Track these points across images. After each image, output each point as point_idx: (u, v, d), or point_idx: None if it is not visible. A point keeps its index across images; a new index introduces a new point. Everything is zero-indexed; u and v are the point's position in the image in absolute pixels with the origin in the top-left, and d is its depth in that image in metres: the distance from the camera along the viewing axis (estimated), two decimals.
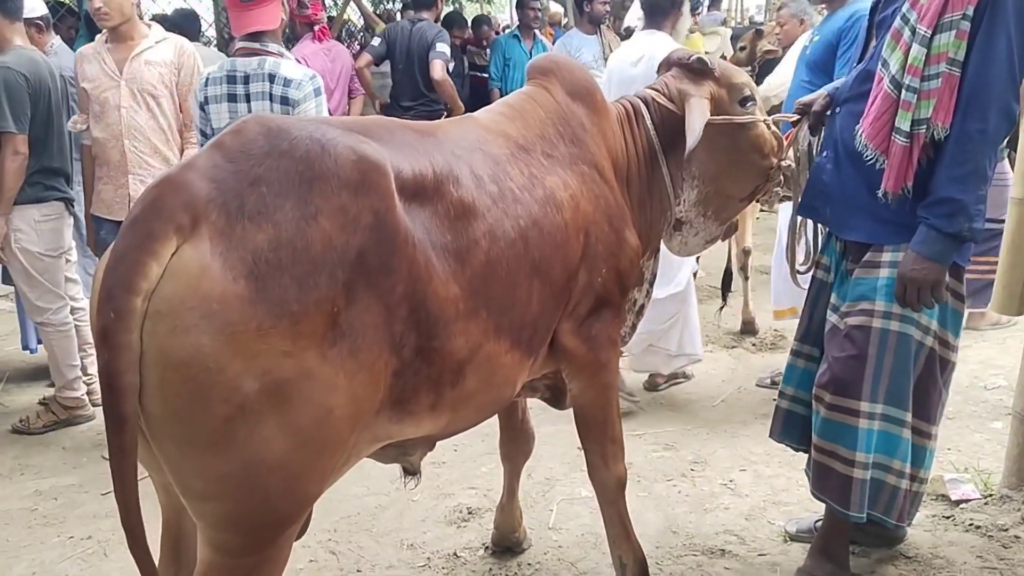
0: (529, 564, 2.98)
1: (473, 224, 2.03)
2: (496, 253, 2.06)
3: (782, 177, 2.77)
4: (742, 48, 6.95)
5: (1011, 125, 2.38)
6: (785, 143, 2.80)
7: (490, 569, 2.95)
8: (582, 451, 2.67)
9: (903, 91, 2.37)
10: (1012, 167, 3.43)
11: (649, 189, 2.64)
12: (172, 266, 1.56)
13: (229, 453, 1.60)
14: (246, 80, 3.28)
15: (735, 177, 2.72)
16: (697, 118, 2.50)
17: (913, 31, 2.35)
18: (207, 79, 3.39)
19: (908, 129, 2.36)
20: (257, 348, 1.57)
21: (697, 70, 2.66)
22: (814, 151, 2.80)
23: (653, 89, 2.72)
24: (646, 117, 2.64)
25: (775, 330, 5.44)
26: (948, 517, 3.11)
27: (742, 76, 2.70)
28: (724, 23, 12.79)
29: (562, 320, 2.37)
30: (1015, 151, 3.30)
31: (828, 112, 2.72)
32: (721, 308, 5.29)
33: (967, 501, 3.19)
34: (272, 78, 3.25)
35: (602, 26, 6.80)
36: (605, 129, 2.52)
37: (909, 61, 2.35)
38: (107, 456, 1.61)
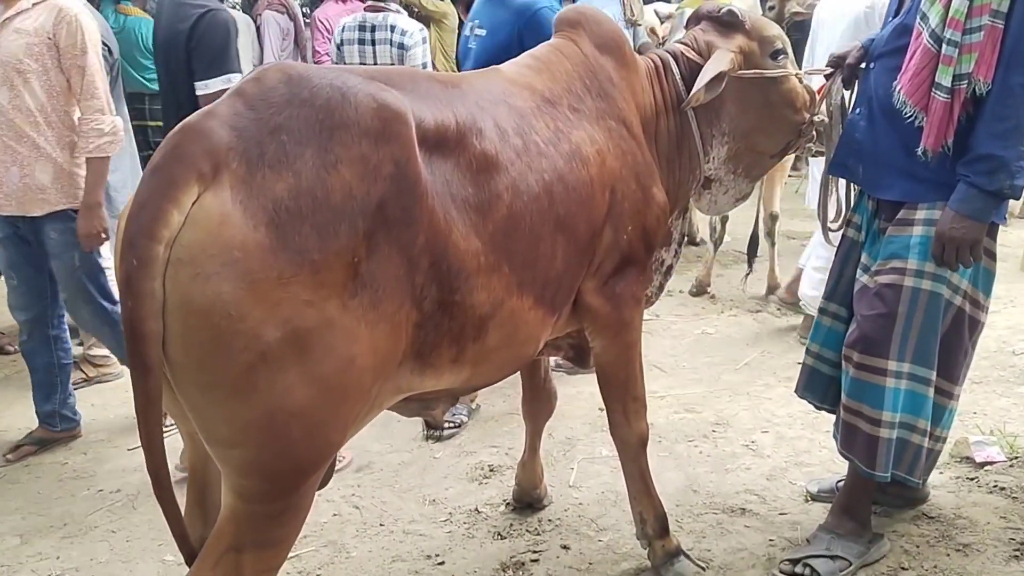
0: (549, 520, 3.00)
1: (496, 177, 2.00)
2: (519, 207, 2.04)
3: (814, 133, 2.71)
4: (771, 8, 6.82)
5: None
6: (818, 97, 2.74)
7: (511, 525, 2.98)
8: (604, 411, 2.67)
9: (944, 45, 2.30)
10: None
11: (678, 146, 2.59)
12: (193, 214, 1.56)
13: (252, 400, 1.61)
14: (372, 30, 4.11)
15: (766, 132, 2.66)
16: (709, 69, 2.46)
17: None
18: (343, 26, 4.18)
19: (949, 84, 2.31)
20: (278, 296, 1.57)
21: (727, 23, 2.60)
22: (847, 106, 2.75)
23: (682, 43, 2.67)
24: (675, 72, 2.59)
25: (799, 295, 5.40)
26: (972, 479, 3.09)
27: (773, 28, 2.64)
28: None
29: (586, 278, 2.35)
30: None
31: (862, 66, 2.67)
32: (747, 274, 5.26)
33: (992, 463, 3.16)
34: (392, 28, 4.09)
35: None
36: (634, 83, 2.48)
37: (951, 14, 2.28)
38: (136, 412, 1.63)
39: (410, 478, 3.33)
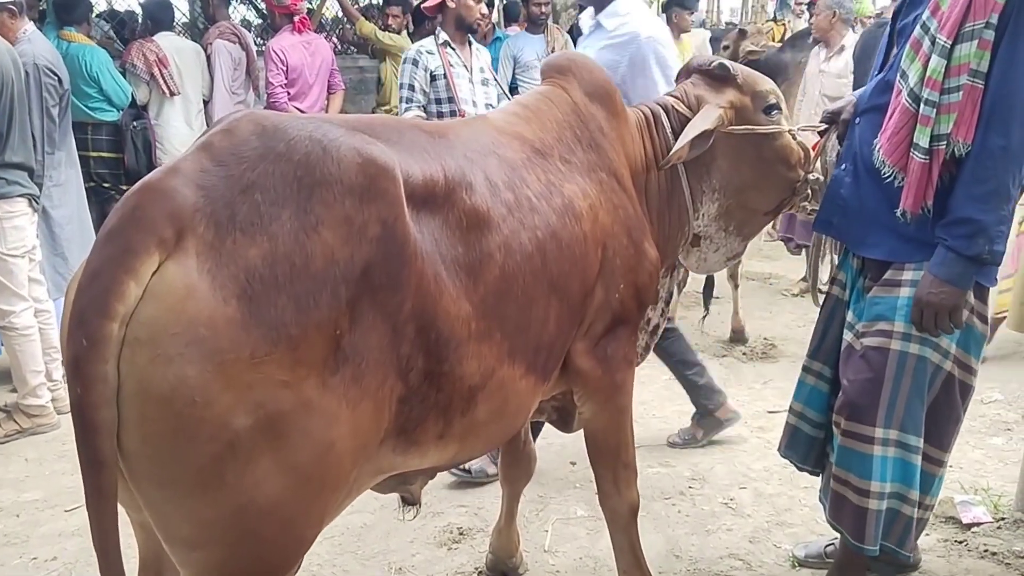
0: None
1: (487, 235, 1.87)
2: (512, 268, 1.90)
3: (809, 191, 2.61)
4: (725, 47, 6.84)
5: None
6: (812, 154, 2.64)
7: None
8: (575, 465, 2.52)
9: (922, 105, 2.22)
10: None
11: (668, 201, 2.48)
12: (153, 286, 1.38)
13: (218, 496, 1.44)
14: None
15: (760, 189, 2.55)
16: (694, 126, 2.35)
17: (933, 41, 2.20)
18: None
19: (927, 145, 2.22)
20: (250, 378, 1.41)
21: (718, 76, 2.50)
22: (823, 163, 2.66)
23: (672, 96, 2.56)
24: (665, 125, 2.48)
25: (765, 338, 5.34)
26: (960, 542, 2.99)
27: (767, 83, 2.53)
28: (704, 25, 12.77)
29: (576, 339, 2.21)
30: None
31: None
32: (704, 316, 5.18)
33: (979, 524, 3.08)
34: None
35: (549, 24, 6.69)
36: (624, 134, 2.37)
37: (928, 73, 2.20)
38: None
39: (374, 543, 3.13)
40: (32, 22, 4.63)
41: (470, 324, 1.79)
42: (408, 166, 1.75)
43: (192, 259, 1.41)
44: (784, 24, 11.07)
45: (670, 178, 2.47)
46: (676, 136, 2.45)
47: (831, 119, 2.66)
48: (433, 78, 4.41)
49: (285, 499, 1.49)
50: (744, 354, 5.18)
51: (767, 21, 11.12)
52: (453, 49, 4.48)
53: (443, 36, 4.51)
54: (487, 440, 2.04)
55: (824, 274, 2.81)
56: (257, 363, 1.41)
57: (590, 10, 3.43)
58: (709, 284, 5.08)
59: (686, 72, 2.64)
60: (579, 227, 2.10)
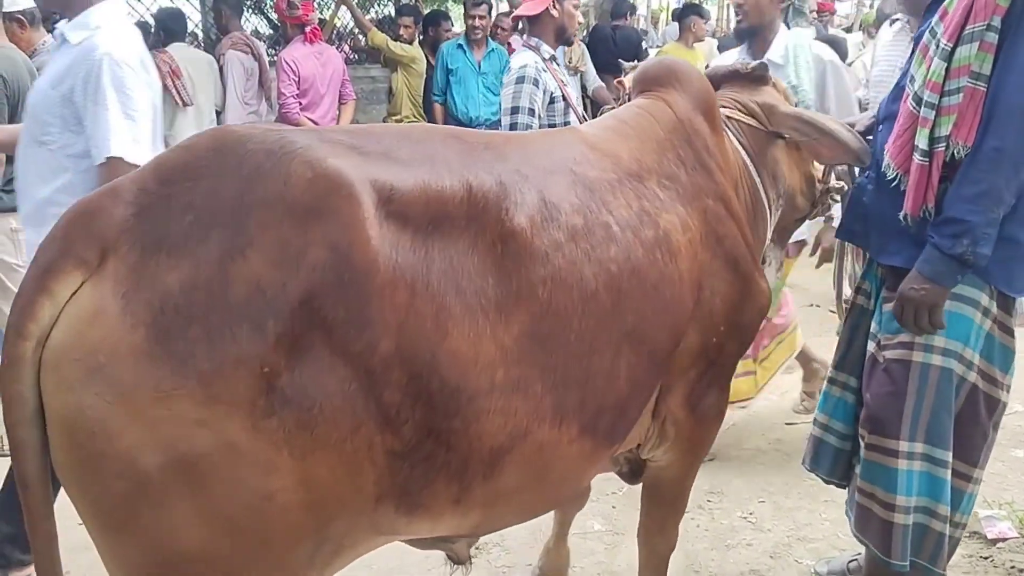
0: None
1: (530, 265, 1.60)
2: (562, 306, 1.63)
3: (830, 200, 2.56)
4: None
5: None
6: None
7: None
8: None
9: (922, 107, 2.22)
10: None
11: (752, 217, 2.27)
12: (67, 309, 1.32)
13: (136, 539, 1.35)
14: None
15: (803, 194, 2.45)
16: (841, 125, 2.27)
17: (937, 44, 2.20)
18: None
19: (927, 147, 2.21)
20: (157, 414, 1.29)
21: (758, 78, 2.38)
22: (856, 171, 2.63)
23: (724, 106, 2.39)
24: (733, 139, 2.31)
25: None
26: (986, 558, 2.95)
27: (783, 83, 2.51)
28: (713, 35, 12.77)
29: (673, 388, 2.01)
30: None
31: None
32: None
33: (1004, 540, 3.03)
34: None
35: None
36: (726, 150, 2.17)
37: (928, 76, 2.20)
38: None
39: (389, 559, 3.08)
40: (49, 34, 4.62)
41: (495, 372, 1.54)
42: (400, 181, 1.52)
43: (109, 282, 1.32)
44: None
45: (753, 192, 2.30)
46: (745, 148, 2.31)
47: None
48: (552, 100, 3.78)
49: (215, 550, 1.37)
50: None
51: None
52: (559, 65, 3.95)
53: (548, 50, 3.87)
54: (522, 509, 1.79)
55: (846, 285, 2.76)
56: (163, 398, 1.29)
57: None
58: None
59: (714, 80, 2.50)
60: (674, 265, 1.86)
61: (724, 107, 2.40)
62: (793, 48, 3.38)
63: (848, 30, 11.29)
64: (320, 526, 1.46)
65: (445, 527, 1.66)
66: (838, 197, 2.59)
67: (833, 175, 2.62)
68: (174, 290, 1.31)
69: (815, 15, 11.30)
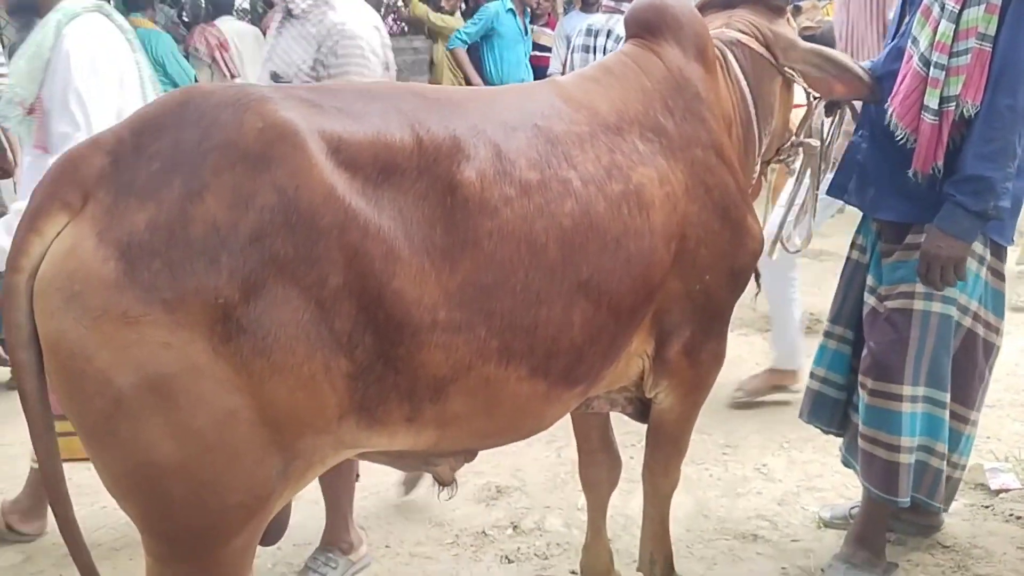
0: (558, 544, 2.96)
1: (476, 218, 1.69)
2: (506, 258, 1.72)
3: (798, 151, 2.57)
4: None
5: None
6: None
7: (518, 548, 2.94)
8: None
9: (931, 68, 2.32)
10: None
11: (744, 157, 2.25)
12: (53, 245, 1.49)
13: (116, 451, 1.51)
14: (596, 35, 3.85)
15: (780, 136, 2.47)
16: (854, 62, 2.32)
17: (943, 7, 2.30)
18: (577, 31, 4.01)
19: (937, 107, 2.32)
20: (127, 337, 1.44)
21: (775, 6, 2.35)
22: (827, 132, 2.68)
23: (736, 30, 2.33)
24: (734, 66, 2.25)
25: (811, 313, 5.33)
26: (987, 507, 3.04)
27: None
28: None
29: (673, 338, 2.10)
30: None
31: None
32: (756, 294, 5.18)
33: (1007, 491, 3.12)
34: (609, 35, 3.77)
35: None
36: (720, 92, 2.12)
37: (937, 38, 2.30)
38: None
39: (417, 497, 3.29)
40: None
41: (436, 311, 1.66)
42: (350, 132, 1.62)
43: (88, 222, 1.47)
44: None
45: (746, 124, 2.28)
46: (746, 78, 2.26)
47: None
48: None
49: (188, 463, 1.51)
50: None
51: None
52: None
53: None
54: (479, 433, 1.89)
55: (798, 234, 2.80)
56: (132, 323, 1.43)
57: None
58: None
59: (723, 3, 2.45)
60: (643, 218, 1.89)
61: (740, 31, 2.35)
62: None
63: None
64: (288, 443, 1.60)
65: (402, 442, 1.78)
66: (802, 152, 2.60)
67: (803, 134, 2.60)
68: (141, 228, 1.46)
69: None
